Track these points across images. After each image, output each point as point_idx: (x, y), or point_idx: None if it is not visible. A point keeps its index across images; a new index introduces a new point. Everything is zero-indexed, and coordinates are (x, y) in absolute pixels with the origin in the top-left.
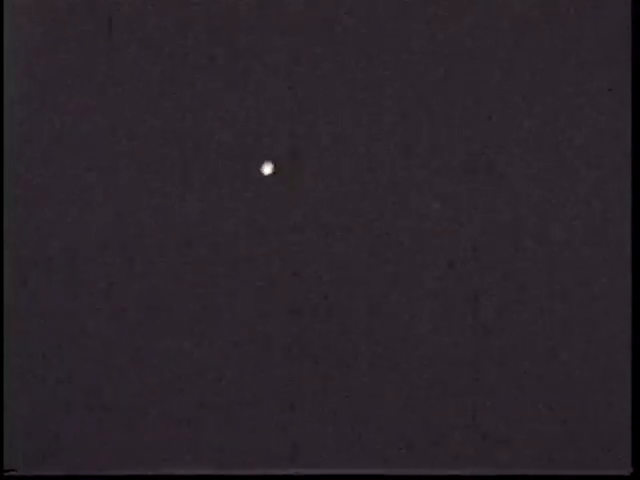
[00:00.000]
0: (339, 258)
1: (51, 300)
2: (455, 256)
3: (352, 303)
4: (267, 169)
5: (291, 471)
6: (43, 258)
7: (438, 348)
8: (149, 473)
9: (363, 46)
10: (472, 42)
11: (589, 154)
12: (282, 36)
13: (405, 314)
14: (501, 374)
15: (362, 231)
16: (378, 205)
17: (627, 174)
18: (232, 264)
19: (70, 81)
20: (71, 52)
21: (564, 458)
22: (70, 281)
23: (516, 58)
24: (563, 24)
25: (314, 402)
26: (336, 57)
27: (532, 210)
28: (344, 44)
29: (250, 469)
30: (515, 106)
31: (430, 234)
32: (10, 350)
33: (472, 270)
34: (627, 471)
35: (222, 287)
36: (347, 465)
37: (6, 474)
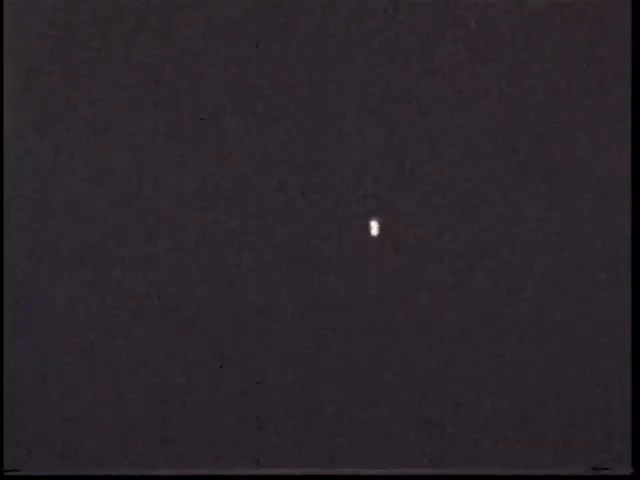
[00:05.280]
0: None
1: (52, 300)
2: (454, 258)
3: (353, 302)
4: (374, 229)
5: (292, 471)
6: (44, 258)
7: (437, 347)
8: (149, 473)
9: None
10: (471, 41)
11: (589, 156)
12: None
13: (405, 313)
14: (501, 374)
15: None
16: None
17: (627, 175)
18: (235, 267)
19: (74, 81)
20: (74, 52)
21: (564, 458)
22: (70, 281)
23: (517, 60)
24: (564, 26)
25: (314, 402)
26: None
27: (531, 215)
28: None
29: (251, 469)
30: (513, 112)
31: (430, 235)
32: (10, 350)
33: (471, 271)
34: (627, 471)
35: (222, 289)
36: (347, 465)
37: (6, 474)
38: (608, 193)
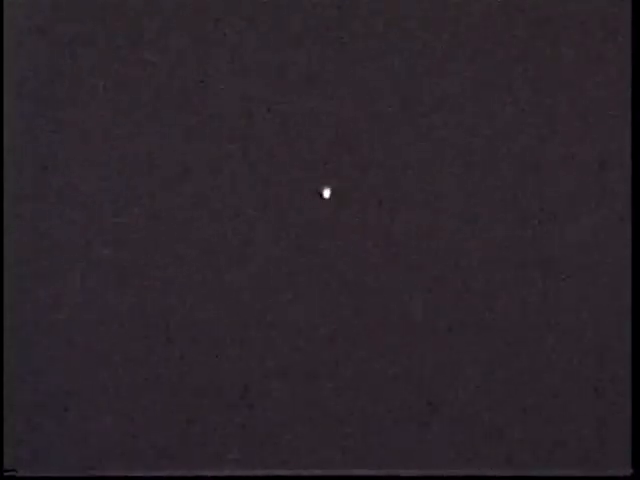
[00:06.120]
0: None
1: (51, 301)
2: (454, 256)
3: (354, 302)
4: (326, 192)
5: (291, 471)
6: (43, 259)
7: (437, 347)
8: (149, 473)
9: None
10: (471, 42)
11: (589, 155)
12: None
13: (404, 313)
14: (501, 374)
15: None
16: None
17: (627, 174)
18: (237, 267)
19: (73, 79)
20: (74, 52)
21: (564, 458)
22: (70, 281)
23: (517, 58)
24: (564, 23)
25: (314, 402)
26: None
27: (532, 210)
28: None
29: (250, 469)
30: (514, 110)
31: (428, 232)
32: (10, 350)
33: (472, 270)
34: (627, 471)
35: (221, 288)
36: (347, 465)
37: (6, 474)
38: (608, 193)
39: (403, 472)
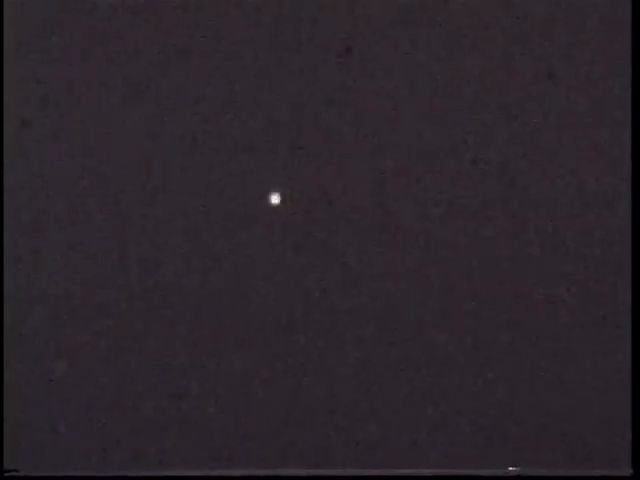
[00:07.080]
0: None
1: (52, 300)
2: (454, 256)
3: (351, 301)
4: (275, 199)
5: (292, 471)
6: (42, 257)
7: (438, 347)
8: (149, 473)
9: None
10: (471, 42)
11: (589, 155)
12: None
13: (406, 313)
14: (501, 374)
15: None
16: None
17: (627, 173)
18: (236, 270)
19: (74, 82)
20: (73, 50)
21: (564, 458)
22: (70, 280)
23: (517, 58)
24: (564, 24)
25: (313, 402)
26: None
27: (533, 210)
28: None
29: (250, 469)
30: (513, 111)
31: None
32: (10, 350)
33: (472, 269)
34: (627, 471)
35: (222, 291)
36: (347, 465)
37: (6, 474)
38: (608, 195)
39: (403, 472)
